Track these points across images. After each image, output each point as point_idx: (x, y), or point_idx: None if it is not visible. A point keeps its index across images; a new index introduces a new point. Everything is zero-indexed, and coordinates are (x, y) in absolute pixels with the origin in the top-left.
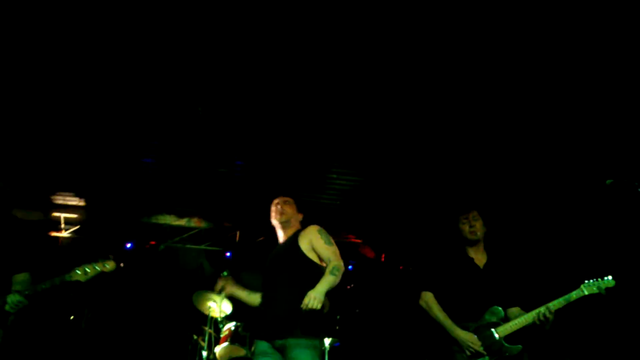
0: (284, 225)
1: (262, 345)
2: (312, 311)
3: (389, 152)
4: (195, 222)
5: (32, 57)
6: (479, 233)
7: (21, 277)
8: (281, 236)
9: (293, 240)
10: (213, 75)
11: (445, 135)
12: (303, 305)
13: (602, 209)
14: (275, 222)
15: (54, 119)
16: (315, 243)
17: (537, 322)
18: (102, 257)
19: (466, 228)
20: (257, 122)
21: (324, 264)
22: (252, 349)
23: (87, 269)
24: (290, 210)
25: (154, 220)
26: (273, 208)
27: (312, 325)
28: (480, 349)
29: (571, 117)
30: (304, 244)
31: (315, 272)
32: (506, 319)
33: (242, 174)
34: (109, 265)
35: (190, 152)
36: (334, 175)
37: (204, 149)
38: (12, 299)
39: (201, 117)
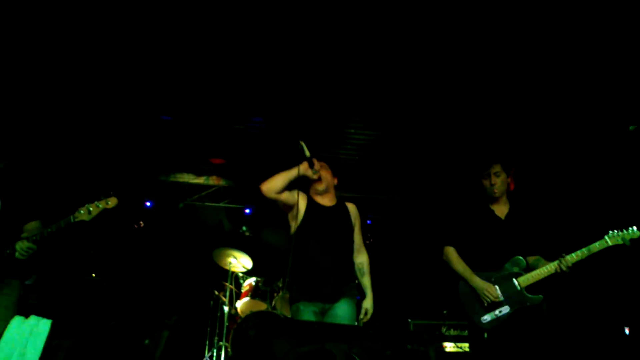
0: (324, 190)
1: (309, 310)
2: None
3: (408, 105)
4: (213, 180)
5: (43, 18)
6: (499, 191)
7: (32, 225)
8: (320, 199)
9: (345, 211)
10: (231, 30)
11: (466, 86)
12: (366, 319)
13: (627, 157)
14: (317, 188)
15: (72, 78)
16: (357, 227)
17: (559, 271)
18: (104, 195)
19: (487, 184)
20: (275, 78)
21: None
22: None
23: (90, 208)
24: (329, 175)
25: (172, 179)
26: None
27: (354, 286)
28: (498, 298)
29: (593, 64)
30: (353, 218)
31: (352, 246)
32: (528, 269)
33: (260, 130)
34: (111, 202)
35: (208, 109)
36: (352, 130)
37: (222, 106)
38: (21, 245)
39: (220, 73)
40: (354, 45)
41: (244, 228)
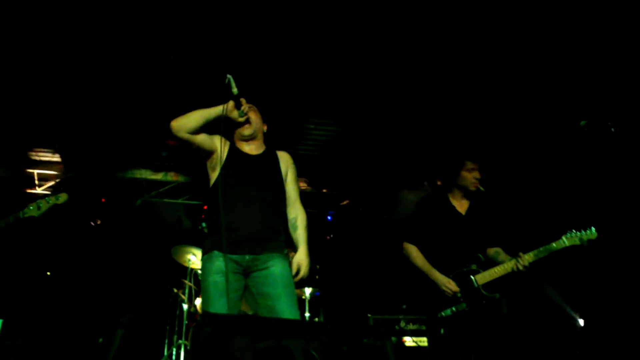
0: (250, 137)
1: (221, 262)
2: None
3: (369, 101)
4: (172, 176)
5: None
6: (479, 185)
7: None
8: (245, 146)
9: (273, 159)
10: (187, 23)
11: (425, 81)
12: (300, 276)
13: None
14: (243, 133)
15: (28, 73)
16: (290, 177)
17: (515, 270)
18: (55, 191)
19: (470, 177)
20: (234, 71)
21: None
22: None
23: (40, 204)
24: (258, 119)
25: (129, 175)
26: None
27: (284, 240)
28: (457, 293)
29: (550, 65)
30: (283, 167)
31: (284, 199)
32: (487, 263)
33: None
34: (62, 198)
35: (166, 103)
36: (312, 126)
37: (180, 100)
38: None
39: (174, 65)
40: (316, 40)
41: (203, 225)
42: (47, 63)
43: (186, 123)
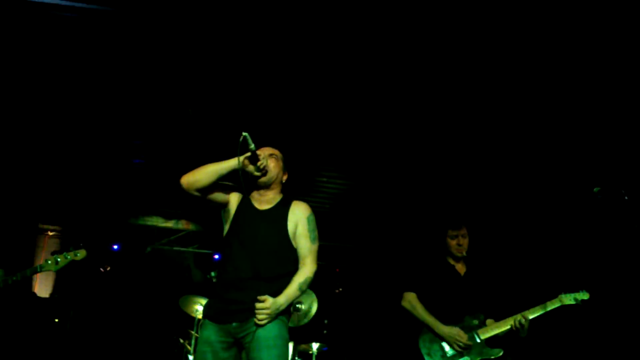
0: (264, 185)
1: (212, 331)
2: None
3: (380, 156)
4: (183, 225)
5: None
6: (465, 251)
7: None
8: (257, 198)
9: (282, 214)
10: (204, 76)
11: (434, 141)
12: (258, 309)
13: (588, 217)
14: (257, 181)
15: (40, 119)
16: (299, 231)
17: (514, 329)
18: (74, 246)
19: (454, 244)
20: (247, 125)
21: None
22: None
23: (57, 259)
24: (276, 169)
25: (141, 222)
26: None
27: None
28: (468, 342)
29: (556, 124)
30: (291, 224)
31: (293, 259)
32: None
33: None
34: (80, 254)
35: (180, 154)
36: (324, 179)
37: (193, 151)
38: None
39: (192, 119)
40: (328, 96)
41: (212, 274)
42: (61, 111)
43: (197, 180)
